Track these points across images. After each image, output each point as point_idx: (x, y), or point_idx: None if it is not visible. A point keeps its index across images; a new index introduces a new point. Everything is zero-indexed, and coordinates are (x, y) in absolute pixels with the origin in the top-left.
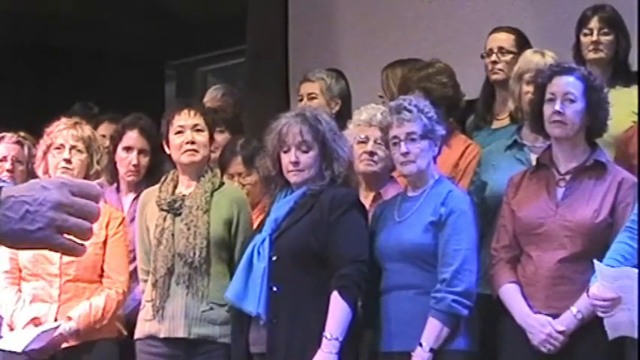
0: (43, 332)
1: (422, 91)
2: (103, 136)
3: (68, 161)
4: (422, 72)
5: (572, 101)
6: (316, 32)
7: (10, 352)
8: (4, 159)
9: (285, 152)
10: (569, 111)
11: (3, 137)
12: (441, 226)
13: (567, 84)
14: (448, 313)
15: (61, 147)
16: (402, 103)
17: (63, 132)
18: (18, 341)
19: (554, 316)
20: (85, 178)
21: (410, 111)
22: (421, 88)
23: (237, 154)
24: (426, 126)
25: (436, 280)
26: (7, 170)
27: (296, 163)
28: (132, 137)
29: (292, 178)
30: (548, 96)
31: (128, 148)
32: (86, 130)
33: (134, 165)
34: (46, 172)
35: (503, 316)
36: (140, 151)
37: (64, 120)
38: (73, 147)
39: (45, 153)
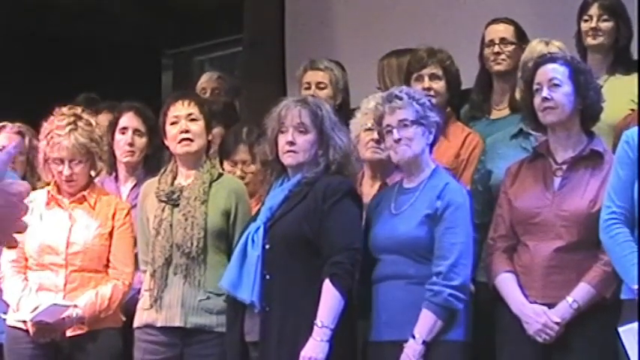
0: (56, 305)
1: (440, 64)
2: (102, 126)
3: (69, 177)
4: (437, 54)
5: (558, 85)
6: (312, 21)
7: (14, 333)
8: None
9: (283, 133)
10: (557, 95)
11: (4, 127)
12: (436, 219)
13: (551, 70)
14: (443, 307)
15: (60, 161)
16: (392, 91)
17: (58, 145)
18: (29, 311)
19: (550, 306)
20: (90, 177)
21: (401, 98)
22: (439, 61)
23: (244, 142)
24: (418, 112)
25: (429, 272)
26: None
27: (292, 144)
28: (126, 118)
29: (287, 159)
30: (535, 87)
31: (124, 129)
32: (81, 134)
33: (129, 144)
34: (49, 176)
35: (500, 305)
36: (135, 131)
37: (58, 121)
38: (71, 160)
39: (45, 161)
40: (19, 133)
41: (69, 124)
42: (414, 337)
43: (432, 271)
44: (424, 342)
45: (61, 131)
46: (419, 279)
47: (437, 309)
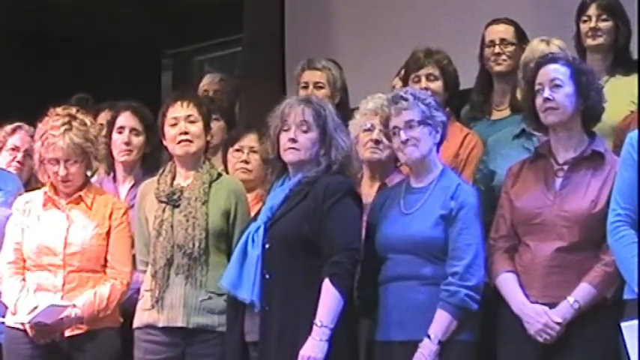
0: (53, 306)
1: (437, 65)
2: (102, 124)
3: (65, 178)
4: (435, 55)
5: (560, 86)
6: (312, 21)
7: (12, 333)
8: (17, 149)
9: (285, 130)
10: (558, 95)
11: (20, 127)
12: (451, 220)
13: (552, 71)
14: (459, 307)
15: (55, 162)
16: (398, 93)
17: (53, 145)
18: (27, 313)
19: (551, 306)
20: (86, 176)
21: (406, 99)
22: (436, 61)
23: (253, 131)
24: (424, 112)
25: (442, 272)
26: (18, 161)
27: (294, 141)
28: (123, 117)
29: (288, 156)
30: (536, 87)
31: (121, 128)
32: (76, 134)
33: (125, 143)
34: (45, 177)
35: (501, 305)
36: (132, 130)
37: (53, 122)
38: (66, 160)
39: (41, 161)
40: (33, 137)
41: (63, 124)
42: (429, 337)
43: (445, 271)
44: (439, 342)
45: (56, 132)
46: (433, 279)
47: (453, 309)
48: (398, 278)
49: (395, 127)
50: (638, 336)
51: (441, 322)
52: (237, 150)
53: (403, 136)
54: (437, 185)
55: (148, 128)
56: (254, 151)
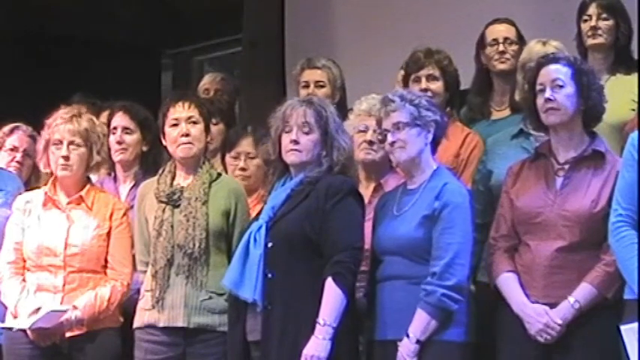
0: (53, 312)
1: (437, 65)
2: (104, 123)
3: (66, 158)
4: (435, 55)
5: (561, 86)
6: (312, 21)
7: (12, 334)
8: (16, 149)
9: (287, 132)
10: (560, 96)
11: (18, 127)
12: (434, 219)
13: (554, 71)
14: (437, 307)
15: (59, 143)
16: (387, 95)
17: (60, 127)
18: (26, 319)
19: (552, 305)
20: (86, 170)
21: (393, 101)
22: (436, 62)
23: (248, 135)
24: (412, 113)
25: (427, 272)
26: (17, 162)
27: (295, 142)
28: (116, 118)
29: (290, 157)
30: (538, 87)
31: (114, 129)
32: (83, 122)
33: (118, 142)
34: (47, 166)
35: (501, 305)
36: (124, 129)
37: (62, 112)
38: (70, 142)
39: (45, 148)
40: (31, 136)
41: (73, 115)
42: (408, 336)
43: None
44: (418, 341)
45: (65, 116)
46: (418, 279)
47: (430, 309)
48: (388, 278)
49: (385, 130)
50: (638, 338)
51: (419, 321)
52: (234, 157)
53: (390, 138)
54: (427, 186)
55: (141, 125)
56: (251, 157)
